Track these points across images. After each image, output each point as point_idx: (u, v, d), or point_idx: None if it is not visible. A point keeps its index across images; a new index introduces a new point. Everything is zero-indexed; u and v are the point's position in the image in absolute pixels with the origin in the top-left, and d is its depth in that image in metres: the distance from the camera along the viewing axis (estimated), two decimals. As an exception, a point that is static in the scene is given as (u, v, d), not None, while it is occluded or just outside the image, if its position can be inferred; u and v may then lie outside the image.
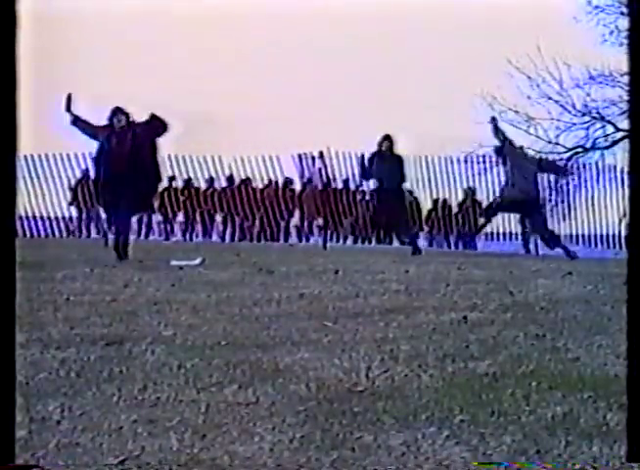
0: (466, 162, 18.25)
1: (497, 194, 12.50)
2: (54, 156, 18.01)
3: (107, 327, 4.56)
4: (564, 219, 17.98)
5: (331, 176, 17.50)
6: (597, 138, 21.23)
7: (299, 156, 17.67)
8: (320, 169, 17.53)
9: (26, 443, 2.61)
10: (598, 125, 21.20)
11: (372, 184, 11.79)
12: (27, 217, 18.08)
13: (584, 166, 18.71)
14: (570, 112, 20.96)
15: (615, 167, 17.14)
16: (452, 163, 17.87)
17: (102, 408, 2.96)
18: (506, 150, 11.45)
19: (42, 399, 3.05)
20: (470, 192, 17.82)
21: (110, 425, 2.77)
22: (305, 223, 17.94)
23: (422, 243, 16.55)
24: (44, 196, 18.03)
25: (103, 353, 3.86)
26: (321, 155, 17.54)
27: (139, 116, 9.56)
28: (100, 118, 9.56)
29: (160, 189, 17.85)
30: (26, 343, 4.08)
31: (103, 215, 17.45)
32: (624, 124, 18.83)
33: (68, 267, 7.89)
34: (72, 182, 18.12)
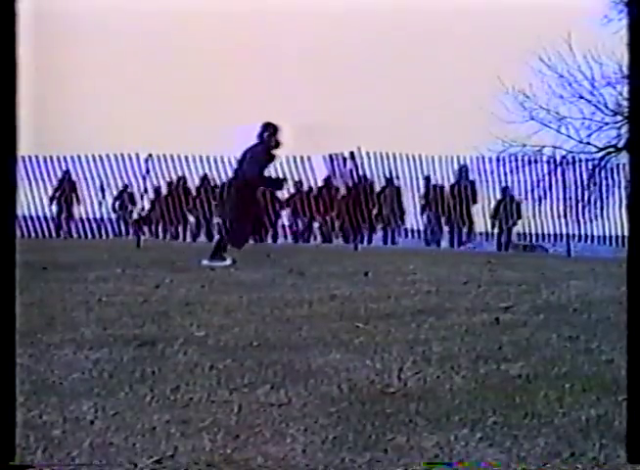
0: (498, 161, 18.16)
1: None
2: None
3: (139, 328, 4.58)
4: (596, 219, 17.83)
5: (362, 177, 17.48)
6: (630, 138, 21.01)
7: (331, 156, 17.67)
8: (351, 170, 17.52)
9: (60, 442, 2.63)
10: (631, 125, 20.98)
11: None
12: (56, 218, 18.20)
13: (617, 166, 18.56)
14: (602, 111, 20.81)
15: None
16: (484, 161, 17.79)
17: (135, 409, 2.97)
18: None
19: (76, 400, 3.07)
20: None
21: (143, 425, 2.78)
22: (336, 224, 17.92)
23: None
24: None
25: (135, 354, 3.87)
26: (352, 155, 17.53)
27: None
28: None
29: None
30: (60, 343, 4.11)
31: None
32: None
33: (99, 268, 7.94)
34: (99, 184, 18.26)
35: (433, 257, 10.78)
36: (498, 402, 3.05)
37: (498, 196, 17.39)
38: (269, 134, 9.09)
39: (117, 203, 18.35)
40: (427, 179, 17.41)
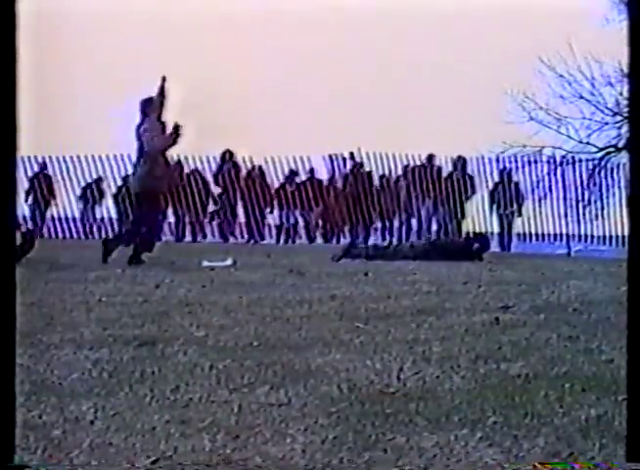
0: (498, 161, 18.17)
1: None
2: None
3: (139, 328, 4.58)
4: (596, 219, 17.83)
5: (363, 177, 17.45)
6: (630, 138, 20.95)
7: (330, 156, 17.68)
8: (351, 171, 17.51)
9: (60, 443, 2.63)
10: (631, 125, 20.92)
11: None
12: (60, 219, 18.21)
13: (617, 166, 18.56)
14: (602, 111, 20.81)
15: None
16: (484, 162, 17.79)
17: (134, 409, 2.97)
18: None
19: (75, 400, 3.07)
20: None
21: (142, 425, 2.78)
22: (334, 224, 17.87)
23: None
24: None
25: (135, 354, 3.87)
26: (352, 156, 17.54)
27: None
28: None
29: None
30: (60, 343, 4.11)
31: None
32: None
33: (99, 268, 7.94)
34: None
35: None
36: (498, 402, 3.05)
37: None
38: None
39: (84, 196, 18.10)
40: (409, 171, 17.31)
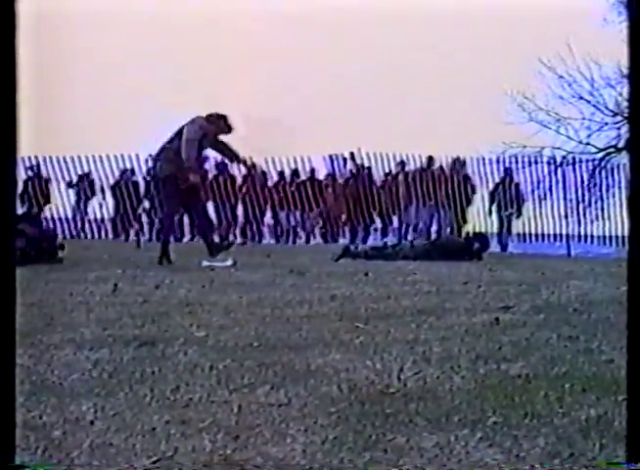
0: (498, 162, 18.19)
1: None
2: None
3: (139, 328, 4.58)
4: (597, 220, 17.85)
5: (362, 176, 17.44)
6: (630, 138, 20.94)
7: (330, 156, 17.69)
8: (351, 170, 17.52)
9: (60, 443, 2.63)
10: (630, 125, 20.90)
11: None
12: (61, 219, 18.21)
13: (617, 167, 18.57)
14: (602, 111, 20.84)
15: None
16: (484, 163, 17.81)
17: (134, 409, 2.97)
18: None
19: (75, 400, 3.07)
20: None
21: (142, 426, 2.78)
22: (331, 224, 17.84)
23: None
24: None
25: (135, 354, 3.87)
26: (352, 156, 17.54)
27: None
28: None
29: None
30: (60, 343, 4.11)
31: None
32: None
33: (100, 268, 7.94)
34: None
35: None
36: (498, 402, 3.05)
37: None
38: None
39: (75, 191, 18.06)
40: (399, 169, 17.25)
